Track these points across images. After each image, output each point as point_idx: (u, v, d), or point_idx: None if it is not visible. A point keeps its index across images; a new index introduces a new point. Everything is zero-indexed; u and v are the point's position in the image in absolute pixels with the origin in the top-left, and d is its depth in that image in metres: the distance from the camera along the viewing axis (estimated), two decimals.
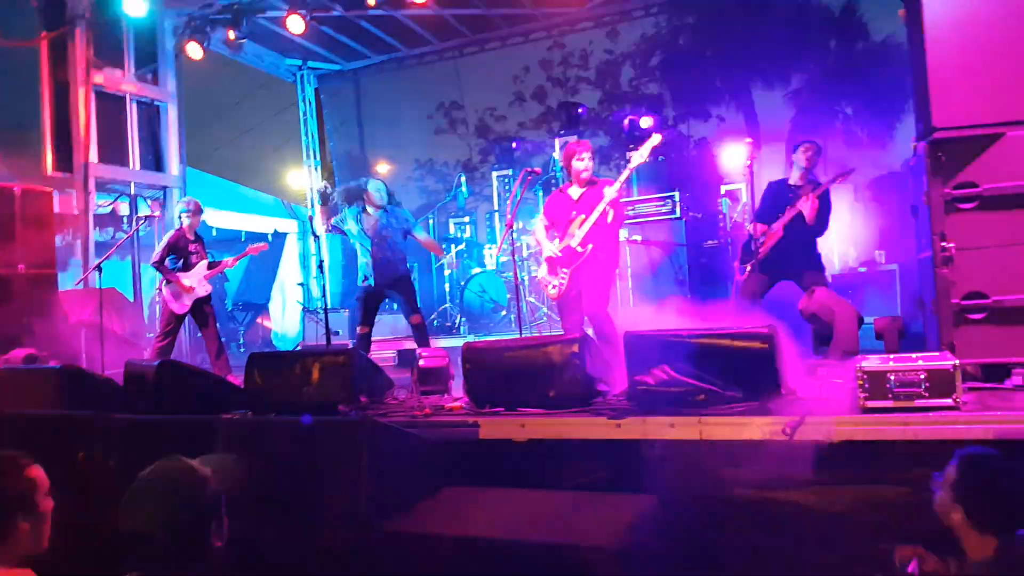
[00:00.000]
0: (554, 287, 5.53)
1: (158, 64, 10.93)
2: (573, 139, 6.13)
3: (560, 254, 5.47)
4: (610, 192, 5.35)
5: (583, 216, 5.41)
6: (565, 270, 5.45)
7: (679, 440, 3.59)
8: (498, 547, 3.17)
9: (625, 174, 5.46)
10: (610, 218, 5.42)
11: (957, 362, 3.34)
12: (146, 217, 9.86)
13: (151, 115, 10.93)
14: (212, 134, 16.46)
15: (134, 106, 10.57)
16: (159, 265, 7.34)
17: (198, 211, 7.67)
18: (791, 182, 5.98)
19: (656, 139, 5.51)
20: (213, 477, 2.00)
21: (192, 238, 7.55)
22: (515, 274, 5.84)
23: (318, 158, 14.66)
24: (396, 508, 3.50)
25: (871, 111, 13.20)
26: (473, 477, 3.85)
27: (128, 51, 10.50)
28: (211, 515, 1.97)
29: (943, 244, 3.90)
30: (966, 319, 3.87)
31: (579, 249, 5.40)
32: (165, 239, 7.53)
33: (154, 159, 10.89)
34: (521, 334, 5.79)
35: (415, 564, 3.26)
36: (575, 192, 5.62)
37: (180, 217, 7.61)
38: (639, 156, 5.40)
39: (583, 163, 5.53)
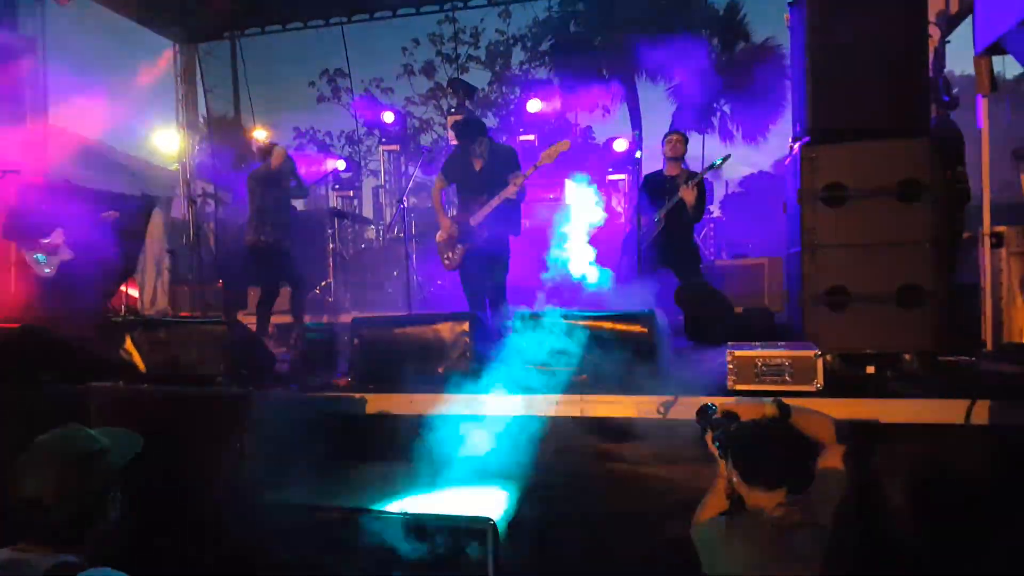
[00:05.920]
0: (448, 259, 5.56)
1: (18, 9, 10.12)
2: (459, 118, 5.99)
3: (456, 231, 5.48)
4: (510, 189, 5.39)
5: (484, 196, 5.44)
6: (460, 245, 5.46)
7: (562, 416, 3.72)
8: (383, 519, 3.20)
9: (530, 171, 5.51)
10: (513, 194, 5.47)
11: (819, 351, 3.61)
12: (6, 172, 9.14)
13: (9, 65, 10.11)
14: (77, 88, 15.43)
15: None
16: (10, 234, 6.82)
17: None
18: (666, 172, 6.23)
19: (565, 145, 5.59)
20: (112, 450, 1.92)
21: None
22: (406, 251, 5.82)
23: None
24: (279, 481, 3.46)
25: (747, 110, 13.88)
26: (360, 452, 3.85)
27: None
28: (110, 488, 1.89)
29: (811, 240, 4.17)
30: (828, 311, 4.15)
31: (478, 231, 5.44)
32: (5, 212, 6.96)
33: (11, 113, 10.09)
34: (410, 311, 5.79)
35: (298, 535, 3.24)
36: (478, 163, 5.60)
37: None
38: (547, 157, 5.47)
39: (481, 146, 5.55)
